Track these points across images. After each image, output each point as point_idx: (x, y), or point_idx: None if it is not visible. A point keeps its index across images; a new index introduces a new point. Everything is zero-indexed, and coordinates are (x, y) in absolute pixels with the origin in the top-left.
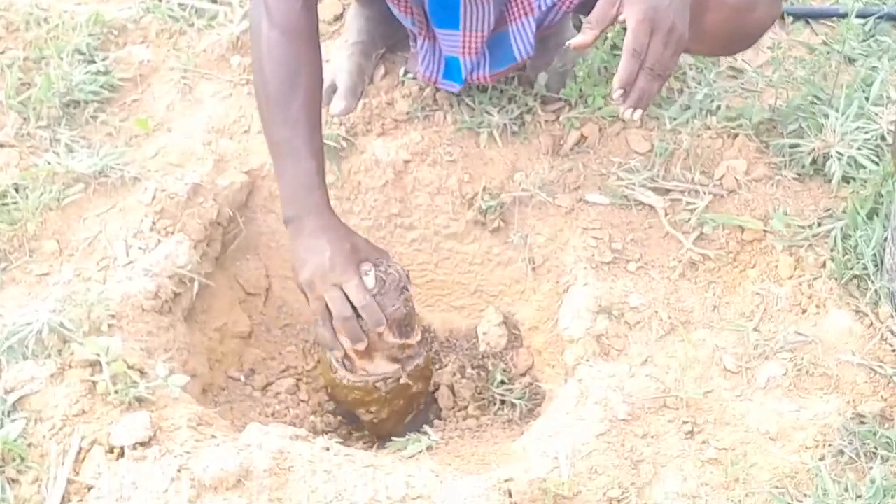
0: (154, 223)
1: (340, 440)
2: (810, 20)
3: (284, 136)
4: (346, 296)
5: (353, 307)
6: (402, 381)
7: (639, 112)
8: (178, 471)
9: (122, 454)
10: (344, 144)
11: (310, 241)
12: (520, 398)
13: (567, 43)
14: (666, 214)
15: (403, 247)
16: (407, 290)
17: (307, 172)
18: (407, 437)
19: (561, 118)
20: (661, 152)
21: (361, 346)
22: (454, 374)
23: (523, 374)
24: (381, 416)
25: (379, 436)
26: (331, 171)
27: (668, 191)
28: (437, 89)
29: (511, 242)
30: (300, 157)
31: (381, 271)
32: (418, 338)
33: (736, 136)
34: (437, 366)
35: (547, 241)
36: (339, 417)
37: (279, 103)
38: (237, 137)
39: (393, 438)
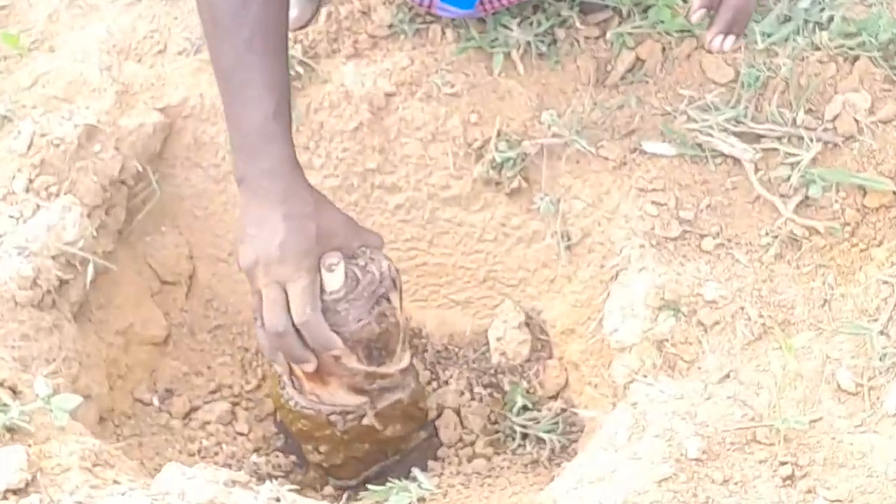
0: (31, 181)
1: (295, 487)
2: None
3: (233, 63)
4: (287, 300)
5: None
6: (367, 421)
7: (731, 40)
8: None
9: None
10: (300, 71)
11: (261, 212)
12: (549, 430)
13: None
14: (756, 171)
15: (384, 216)
16: (387, 299)
17: (264, 115)
18: (389, 484)
19: (608, 34)
20: (750, 83)
21: (308, 368)
22: (460, 395)
23: (553, 397)
24: (334, 461)
25: (339, 478)
26: None
27: (759, 137)
28: None
29: (536, 210)
30: (254, 93)
31: (355, 267)
32: (401, 364)
33: (856, 59)
34: (431, 385)
35: (587, 207)
36: (293, 458)
37: (229, 19)
38: (148, 60)
39: (369, 486)
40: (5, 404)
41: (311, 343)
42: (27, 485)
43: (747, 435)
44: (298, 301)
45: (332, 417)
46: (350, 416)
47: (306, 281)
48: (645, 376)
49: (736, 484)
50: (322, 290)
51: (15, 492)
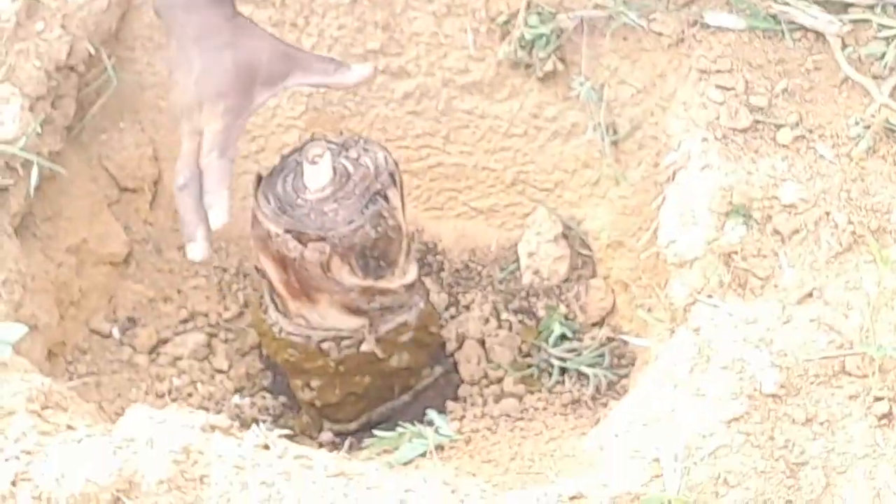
0: None
1: (286, 433)
2: None
3: None
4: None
5: None
6: (366, 348)
7: None
8: (13, 483)
9: None
10: None
11: (179, 53)
12: (593, 364)
13: None
14: (844, 46)
15: (389, 107)
16: (384, 198)
17: None
18: (399, 428)
19: None
20: None
21: (196, 256)
22: (484, 323)
23: (597, 324)
24: (329, 399)
25: (336, 421)
26: None
27: (846, 6)
28: None
29: (575, 98)
30: None
31: (344, 158)
32: (406, 279)
33: None
34: (449, 311)
35: (637, 94)
36: (282, 399)
37: None
38: None
39: (375, 432)
40: None
41: (206, 200)
42: None
43: (834, 365)
44: (204, 147)
45: (324, 344)
46: (345, 343)
47: (219, 125)
48: (710, 296)
49: (821, 424)
50: (304, 188)
51: None
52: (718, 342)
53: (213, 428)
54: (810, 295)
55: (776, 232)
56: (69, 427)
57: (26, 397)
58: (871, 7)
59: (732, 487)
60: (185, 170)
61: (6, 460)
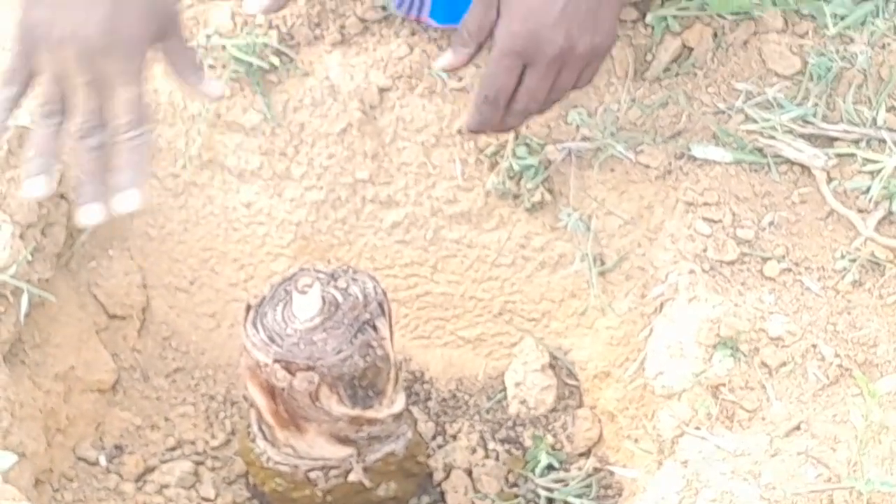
0: None
1: None
2: None
3: None
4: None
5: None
6: (353, 477)
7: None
8: None
9: None
10: (276, 62)
11: None
12: (580, 494)
13: (434, 65)
14: (829, 180)
15: (378, 236)
16: (373, 327)
17: None
18: None
19: (648, 17)
20: (821, 74)
21: (90, 218)
22: (471, 452)
23: (584, 454)
24: None
25: None
26: (254, 106)
27: (831, 140)
28: None
29: (563, 228)
30: None
31: (333, 288)
32: (394, 408)
33: None
34: (437, 440)
35: (625, 225)
36: None
37: None
38: None
39: None
40: None
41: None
42: None
43: (822, 499)
44: (127, 112)
45: (312, 474)
46: (333, 472)
47: (135, 91)
48: (697, 428)
49: None
50: (293, 318)
51: None
52: (707, 474)
53: None
54: (798, 428)
55: (763, 364)
56: None
57: None
58: (856, 142)
59: None
60: (97, 132)
61: None
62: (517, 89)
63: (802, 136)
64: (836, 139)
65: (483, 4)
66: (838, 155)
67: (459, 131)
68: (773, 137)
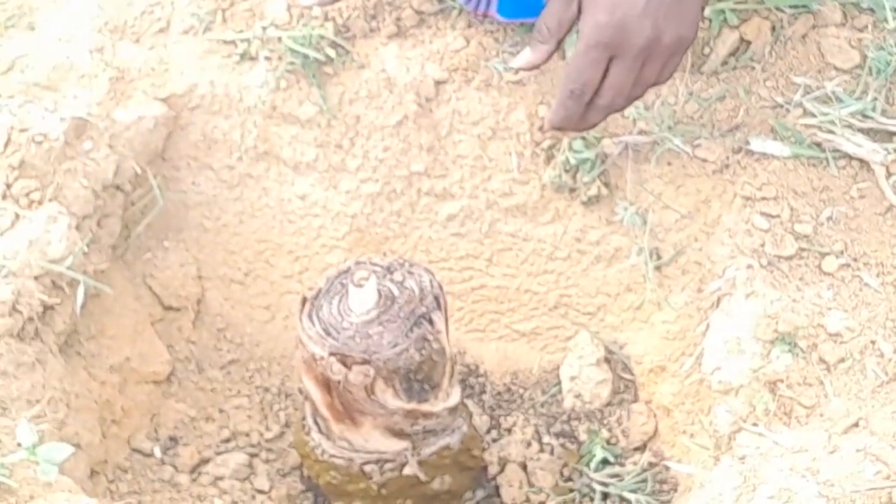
0: (8, 186)
1: None
2: None
3: None
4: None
5: None
6: (408, 471)
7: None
8: None
9: None
10: (332, 54)
11: None
12: (635, 489)
13: (510, 64)
14: (888, 175)
15: (433, 229)
16: (429, 321)
17: None
18: None
19: (706, 10)
20: (880, 68)
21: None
22: (526, 446)
23: (639, 449)
24: None
25: None
26: (310, 98)
27: (891, 135)
28: None
29: (619, 222)
30: None
31: (389, 281)
32: (449, 402)
33: None
34: (491, 434)
35: (681, 219)
36: None
37: None
38: (147, 40)
39: None
40: None
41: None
42: None
43: (882, 497)
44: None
45: (367, 467)
46: (388, 466)
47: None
48: (755, 424)
49: None
50: (349, 311)
51: None
52: (764, 471)
53: None
54: (856, 425)
55: (822, 360)
56: None
57: None
58: None
59: None
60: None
61: None
62: (602, 84)
63: (861, 130)
64: None
65: (563, 0)
66: None
67: (541, 128)
68: (831, 132)
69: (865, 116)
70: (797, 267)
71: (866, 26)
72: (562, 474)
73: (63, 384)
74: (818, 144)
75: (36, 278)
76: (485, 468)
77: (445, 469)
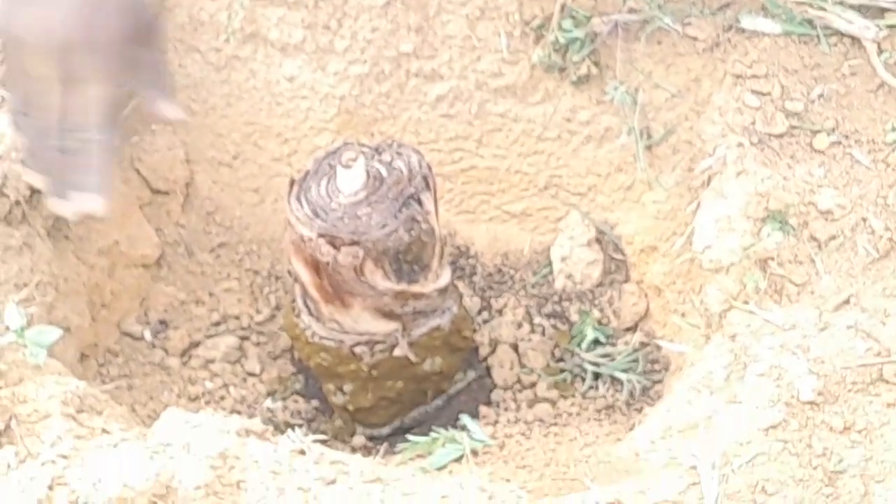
0: None
1: (320, 437)
2: None
3: None
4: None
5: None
6: (399, 352)
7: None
8: (50, 487)
9: None
10: None
11: None
12: (627, 369)
13: None
14: (880, 52)
15: (422, 110)
16: (417, 201)
17: None
18: (433, 433)
19: None
20: None
21: (58, 210)
22: (517, 327)
23: (631, 329)
24: (361, 404)
25: (369, 426)
26: None
27: (882, 11)
28: None
29: (609, 102)
30: None
31: (377, 162)
32: (439, 283)
33: None
34: (482, 315)
35: (672, 98)
36: (315, 402)
37: None
38: None
39: (409, 437)
40: None
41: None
42: None
43: (872, 373)
44: (89, 114)
45: (357, 349)
46: (378, 347)
47: (107, 92)
48: (746, 302)
49: (859, 432)
50: (337, 192)
51: None
52: (755, 349)
53: (248, 433)
54: (847, 302)
55: (813, 238)
56: (104, 431)
57: (61, 400)
58: None
59: (770, 496)
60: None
61: (42, 465)
62: None
63: (852, 6)
64: (887, 10)
65: None
66: (889, 26)
67: None
68: (822, 8)
69: None
70: (788, 145)
71: None
72: (553, 355)
73: (51, 268)
74: (809, 21)
75: (22, 162)
76: (476, 349)
77: (436, 350)
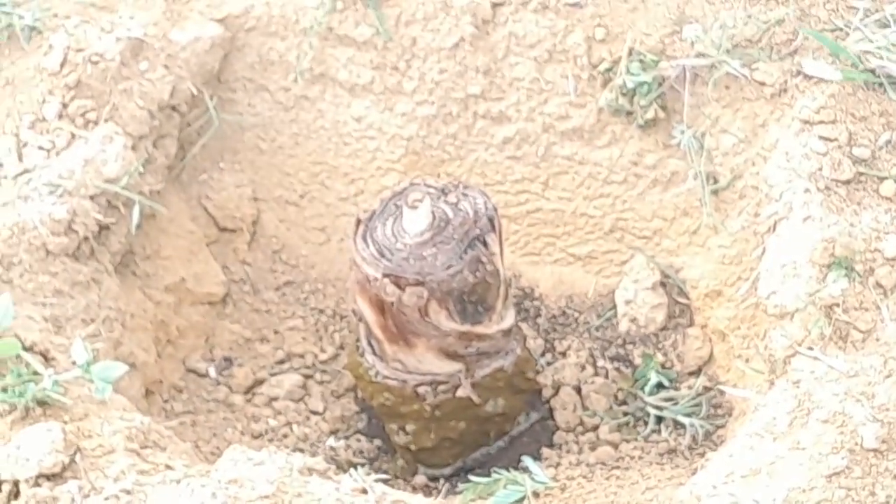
0: (65, 106)
1: (383, 477)
2: None
3: None
4: None
5: None
6: (462, 393)
7: None
8: None
9: (16, 494)
10: None
11: None
12: (690, 413)
13: None
14: None
15: (489, 152)
16: (483, 243)
17: None
18: (494, 474)
19: None
20: None
21: None
22: (580, 370)
23: (695, 373)
24: (424, 444)
25: (431, 466)
26: (366, 19)
27: None
28: None
29: (676, 146)
30: None
31: (444, 203)
32: (503, 324)
33: None
34: (546, 357)
35: (739, 143)
36: (377, 442)
37: None
38: None
39: (471, 477)
40: (36, 373)
41: None
42: (63, 469)
43: None
44: None
45: (420, 389)
46: (441, 388)
47: None
48: (810, 348)
49: None
50: (403, 232)
51: (49, 477)
52: (819, 395)
53: (310, 471)
54: None
55: (878, 285)
56: (167, 467)
57: (125, 436)
58: None
59: None
60: None
61: (106, 499)
62: None
63: None
64: None
65: None
66: None
67: None
68: (887, 56)
69: None
70: (855, 191)
71: None
72: (616, 398)
73: (118, 304)
74: (873, 72)
75: (91, 198)
76: (539, 391)
77: (499, 391)
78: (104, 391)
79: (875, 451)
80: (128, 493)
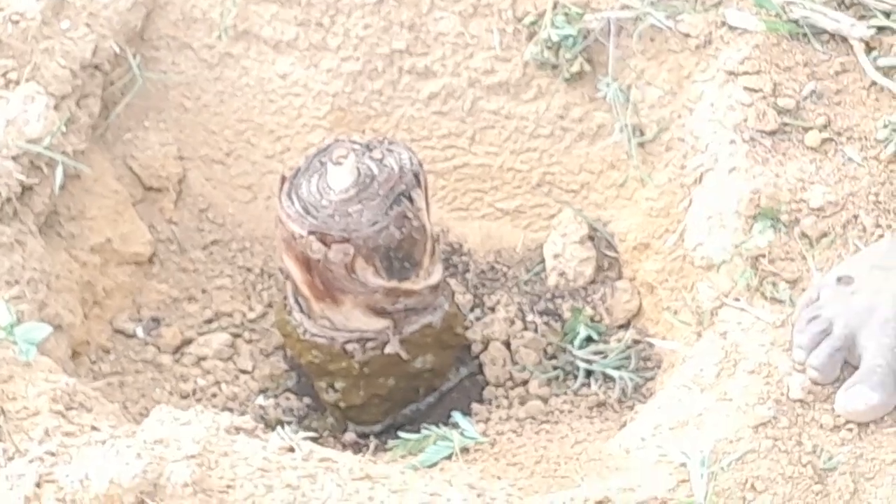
0: None
1: (311, 435)
2: None
3: None
4: None
5: None
6: (391, 350)
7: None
8: (38, 485)
9: None
10: None
11: None
12: (619, 366)
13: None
14: (869, 50)
15: (415, 107)
16: (408, 198)
17: None
18: (424, 430)
19: None
20: None
21: None
22: (509, 324)
23: (623, 326)
24: (353, 401)
25: (360, 423)
26: None
27: (866, 9)
28: None
29: (602, 99)
30: None
31: (368, 159)
32: (431, 280)
33: None
34: (475, 312)
35: (664, 95)
36: (306, 400)
37: None
38: None
39: (400, 434)
40: None
41: None
42: None
43: None
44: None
45: (349, 346)
46: (370, 344)
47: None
48: (737, 300)
49: (849, 429)
50: (328, 189)
51: None
52: (745, 346)
53: (237, 430)
54: None
55: (804, 235)
56: (93, 428)
57: (50, 397)
58: (887, 14)
59: (760, 493)
60: None
61: (30, 461)
62: None
63: (842, 4)
64: (873, 15)
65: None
66: (878, 27)
67: None
68: (811, 6)
69: None
70: (780, 142)
71: None
72: (545, 352)
73: (43, 265)
74: (796, 21)
75: (14, 158)
76: (468, 346)
77: (427, 347)
78: (29, 353)
79: (801, 401)
80: (52, 454)
